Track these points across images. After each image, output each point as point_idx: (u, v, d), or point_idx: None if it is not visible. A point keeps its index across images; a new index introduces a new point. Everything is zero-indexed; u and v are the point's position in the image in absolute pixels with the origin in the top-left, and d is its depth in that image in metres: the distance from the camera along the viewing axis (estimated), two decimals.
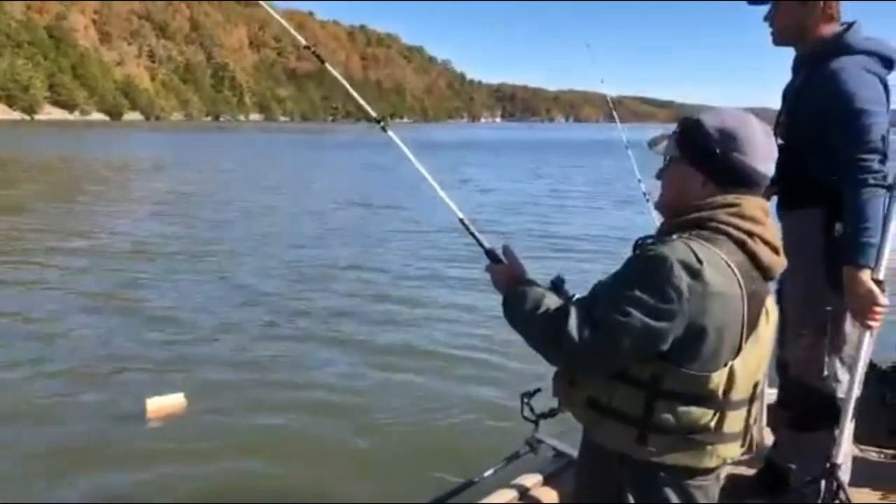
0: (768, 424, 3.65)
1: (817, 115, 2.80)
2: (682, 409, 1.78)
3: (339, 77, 2.80)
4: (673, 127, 2.00)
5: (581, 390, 1.89)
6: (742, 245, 1.80)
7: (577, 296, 1.96)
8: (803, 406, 2.99)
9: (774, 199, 2.93)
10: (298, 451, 5.86)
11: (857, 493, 3.00)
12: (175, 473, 5.37)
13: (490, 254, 2.14)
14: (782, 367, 3.11)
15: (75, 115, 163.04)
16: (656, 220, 1.98)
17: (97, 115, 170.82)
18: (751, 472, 3.37)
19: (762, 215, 1.86)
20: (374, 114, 2.61)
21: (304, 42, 2.73)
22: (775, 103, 3.17)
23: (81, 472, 5.41)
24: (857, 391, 2.81)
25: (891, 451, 3.72)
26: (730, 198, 1.83)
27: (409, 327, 9.32)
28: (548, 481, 3.06)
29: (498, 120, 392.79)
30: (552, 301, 1.88)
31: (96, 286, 11.26)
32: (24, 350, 8.10)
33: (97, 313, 9.70)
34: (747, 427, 1.90)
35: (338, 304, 10.42)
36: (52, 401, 6.68)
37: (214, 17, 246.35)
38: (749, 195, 1.85)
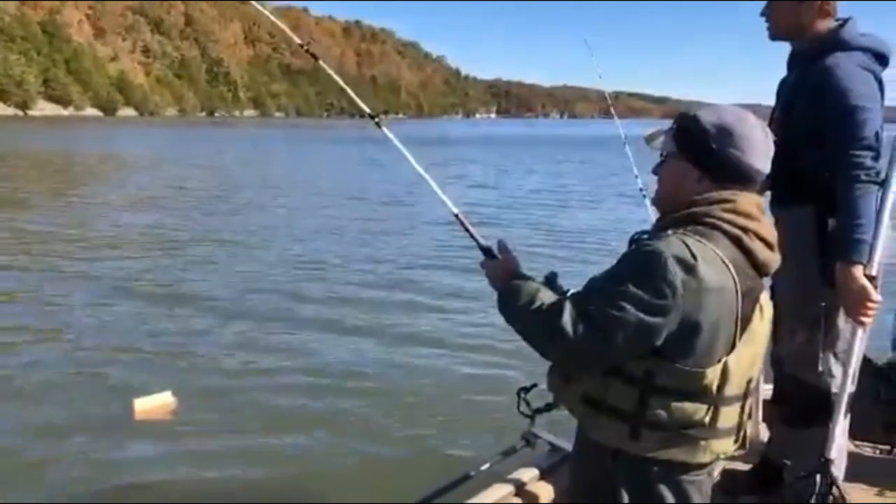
0: (764, 420, 3.66)
1: (811, 111, 2.80)
2: (676, 404, 1.78)
3: (334, 75, 2.80)
4: (669, 123, 2.01)
5: (575, 386, 1.89)
6: (737, 241, 1.80)
7: (571, 291, 1.95)
8: (798, 402, 3.00)
9: (768, 195, 2.94)
10: (291, 446, 5.86)
11: (852, 489, 3.01)
12: (162, 473, 5.36)
13: (484, 249, 2.14)
14: (777, 363, 3.12)
15: (69, 111, 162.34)
16: (653, 215, 1.98)
17: (91, 111, 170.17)
18: (746, 467, 3.37)
19: (757, 211, 1.86)
20: (367, 110, 2.61)
21: (298, 40, 2.73)
22: (769, 100, 3.18)
23: (66, 471, 5.38)
24: (850, 386, 2.81)
25: (886, 447, 3.73)
26: (725, 194, 1.84)
27: (404, 323, 9.33)
28: (544, 476, 3.07)
29: (493, 116, 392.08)
30: (547, 296, 1.88)
31: (85, 282, 11.24)
32: (8, 346, 8.08)
33: (85, 310, 9.67)
34: (741, 423, 1.90)
35: (333, 300, 10.42)
36: (36, 399, 6.64)
37: (209, 13, 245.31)
38: (745, 191, 1.85)
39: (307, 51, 2.70)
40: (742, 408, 1.89)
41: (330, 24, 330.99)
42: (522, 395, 2.51)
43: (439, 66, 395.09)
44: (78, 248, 14.04)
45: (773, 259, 1.88)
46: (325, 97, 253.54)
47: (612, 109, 5.41)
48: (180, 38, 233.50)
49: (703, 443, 1.82)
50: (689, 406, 1.79)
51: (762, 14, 3.02)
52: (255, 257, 13.54)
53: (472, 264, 2.17)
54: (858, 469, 3.22)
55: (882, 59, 2.85)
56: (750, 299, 1.83)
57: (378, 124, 2.54)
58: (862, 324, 2.74)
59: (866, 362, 3.45)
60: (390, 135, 2.45)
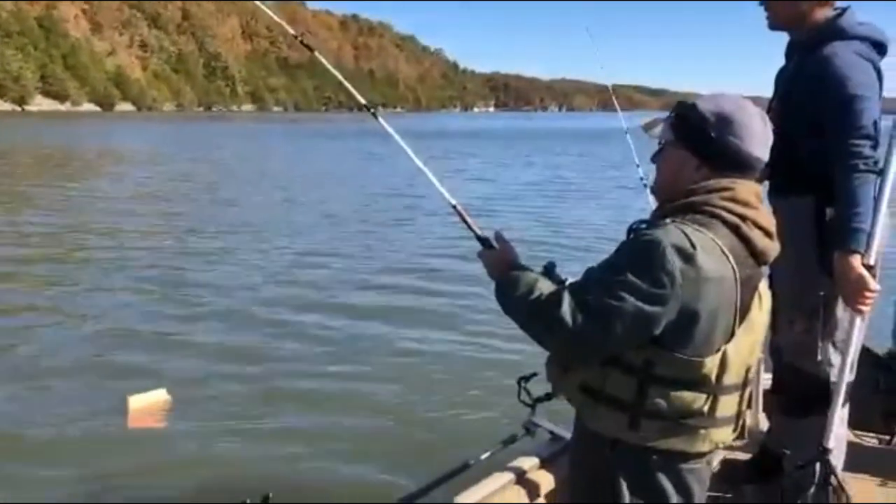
0: (764, 410, 3.67)
1: (810, 100, 2.80)
2: (675, 393, 1.78)
3: (329, 66, 2.79)
4: (667, 113, 2.00)
5: (573, 375, 1.89)
6: (735, 229, 1.80)
7: (569, 280, 1.95)
8: (797, 391, 3.00)
9: (766, 184, 2.94)
10: (289, 436, 5.87)
11: (852, 479, 3.01)
12: (156, 471, 5.33)
13: (482, 240, 2.13)
14: (776, 352, 3.13)
15: (66, 106, 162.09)
16: (653, 204, 1.98)
17: (88, 106, 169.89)
18: (746, 457, 3.38)
19: (756, 200, 1.86)
20: (364, 101, 2.60)
21: (292, 31, 2.72)
22: (769, 92, 3.17)
23: (58, 469, 5.36)
24: (848, 375, 2.82)
25: (886, 437, 3.74)
26: (724, 182, 1.83)
27: (403, 314, 9.36)
28: (544, 464, 3.07)
29: (491, 109, 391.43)
30: (545, 286, 1.88)
31: (84, 277, 11.25)
32: (2, 341, 8.08)
33: (82, 305, 9.67)
34: (740, 412, 1.90)
35: (333, 293, 10.44)
36: (28, 395, 6.64)
37: (206, 7, 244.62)
38: (743, 179, 1.85)
39: (302, 42, 2.69)
40: (741, 397, 1.89)
41: (327, 17, 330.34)
42: (523, 384, 2.52)
43: (437, 59, 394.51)
44: (77, 243, 14.05)
45: (772, 247, 1.87)
46: (322, 91, 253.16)
47: (613, 99, 5.37)
48: (177, 32, 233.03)
49: (702, 432, 1.82)
50: (687, 395, 1.78)
51: (761, 3, 3.01)
52: (256, 249, 13.57)
53: (471, 254, 2.17)
54: (858, 459, 3.22)
55: (880, 48, 2.84)
56: (749, 288, 1.83)
57: (375, 115, 2.54)
58: (860, 313, 2.73)
59: (866, 352, 3.46)
60: (388, 127, 2.45)
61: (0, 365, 7.37)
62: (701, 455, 1.88)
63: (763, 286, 1.92)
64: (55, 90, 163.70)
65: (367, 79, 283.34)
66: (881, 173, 2.71)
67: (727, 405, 1.84)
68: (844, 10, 2.88)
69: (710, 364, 1.78)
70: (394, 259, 12.82)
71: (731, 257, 1.76)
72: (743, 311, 1.82)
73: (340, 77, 2.80)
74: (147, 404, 6.33)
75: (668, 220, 1.80)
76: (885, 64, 2.87)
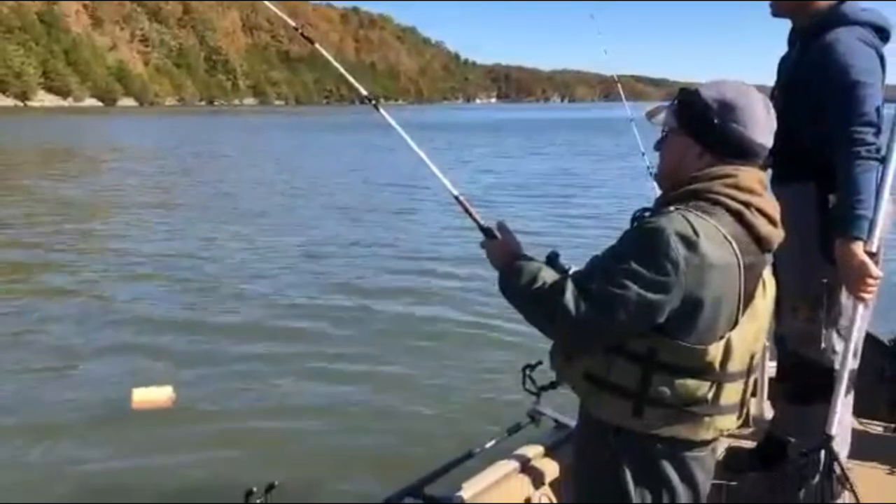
0: (769, 398, 3.67)
1: (812, 86, 2.79)
2: (679, 381, 1.78)
3: (330, 57, 2.79)
4: (668, 102, 2.00)
5: (577, 364, 1.89)
6: (739, 216, 1.80)
7: (573, 269, 1.95)
8: (801, 379, 2.99)
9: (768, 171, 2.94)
10: (293, 426, 5.90)
11: (858, 467, 3.02)
12: (158, 467, 5.36)
13: (485, 230, 2.13)
14: (780, 340, 3.12)
15: (69, 102, 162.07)
16: (658, 193, 1.98)
17: (91, 101, 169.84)
18: (751, 445, 3.38)
19: (759, 186, 1.85)
20: (365, 93, 2.60)
21: (293, 24, 2.72)
22: (772, 80, 3.16)
23: (61, 464, 5.40)
24: (852, 362, 2.81)
25: (891, 425, 3.73)
26: (727, 169, 1.83)
27: (409, 303, 9.40)
28: (549, 452, 3.08)
29: (493, 100, 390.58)
30: (548, 275, 1.87)
31: (90, 274, 11.27)
32: (6, 336, 8.10)
33: (87, 300, 9.70)
34: (744, 399, 1.90)
35: (338, 284, 10.45)
36: (32, 388, 6.67)
37: (207, 1, 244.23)
38: (747, 166, 1.84)
39: (302, 34, 2.69)
40: (745, 384, 1.89)
41: (328, 10, 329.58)
42: (528, 372, 2.52)
43: (438, 51, 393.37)
44: (86, 236, 14.10)
45: (776, 234, 1.87)
46: (323, 84, 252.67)
47: (619, 89, 5.32)
48: (178, 26, 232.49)
49: (706, 419, 1.82)
50: (691, 383, 1.78)
51: None
52: (265, 240, 13.61)
53: (475, 245, 2.18)
54: (864, 446, 3.22)
55: (883, 34, 2.83)
56: (752, 275, 1.83)
57: (377, 107, 2.53)
58: (863, 300, 2.73)
59: (871, 340, 3.46)
60: (390, 118, 2.45)
61: (6, 355, 7.39)
62: (705, 443, 1.88)
63: (767, 273, 1.92)
64: (57, 85, 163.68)
65: (368, 71, 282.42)
66: (884, 160, 2.70)
67: (731, 393, 1.84)
68: None
69: (714, 352, 1.77)
70: (398, 249, 12.87)
71: (734, 244, 1.76)
72: (747, 299, 1.82)
73: (342, 69, 2.79)
74: (151, 398, 6.34)
75: (671, 208, 1.80)
76: (888, 50, 2.85)
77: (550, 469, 3.02)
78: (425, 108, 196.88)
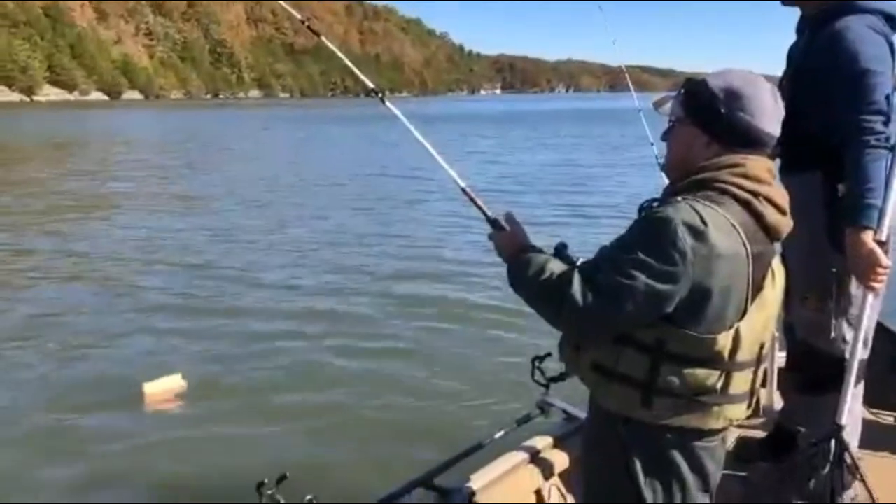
0: (778, 388, 3.66)
1: (821, 74, 2.77)
2: (688, 371, 1.77)
3: (336, 50, 2.78)
4: (674, 92, 1.99)
5: (586, 355, 1.88)
6: (747, 205, 1.79)
7: (581, 260, 1.94)
8: (811, 369, 2.98)
9: (777, 161, 2.92)
10: (302, 418, 5.91)
11: (869, 457, 3.01)
12: (168, 458, 5.37)
13: (492, 222, 2.12)
14: (788, 330, 3.12)
15: (74, 95, 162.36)
16: (666, 183, 1.97)
17: (96, 95, 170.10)
18: (761, 435, 3.38)
19: (768, 175, 1.84)
20: (371, 85, 2.59)
21: (299, 17, 2.71)
22: (778, 70, 3.14)
23: (76, 458, 5.40)
24: (862, 352, 2.80)
25: None
26: (735, 158, 1.82)
27: (417, 294, 9.41)
28: (558, 444, 3.08)
29: (498, 91, 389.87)
30: (556, 266, 1.87)
31: (100, 265, 11.30)
32: (20, 328, 8.14)
33: (98, 293, 9.73)
34: (753, 388, 1.89)
35: (341, 274, 10.48)
36: (47, 382, 6.69)
37: None
38: (755, 155, 1.83)
39: (308, 27, 2.68)
40: (754, 373, 1.88)
41: (332, 3, 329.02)
42: (537, 363, 2.51)
43: (443, 42, 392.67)
44: (95, 229, 14.12)
45: (784, 223, 1.86)
46: (328, 77, 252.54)
47: (627, 78, 5.28)
48: (182, 19, 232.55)
49: (715, 409, 1.81)
50: (700, 372, 1.78)
51: None
52: (273, 230, 13.63)
53: (482, 235, 2.18)
54: (874, 436, 3.21)
55: (893, 22, 2.80)
56: (761, 264, 1.82)
57: (382, 100, 2.52)
58: (872, 289, 2.72)
59: (882, 329, 3.44)
60: (396, 110, 2.45)
61: (15, 349, 7.43)
62: (715, 432, 1.88)
63: (776, 262, 1.91)
64: (63, 80, 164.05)
65: (372, 63, 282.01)
66: (893, 149, 2.69)
67: (741, 382, 1.83)
68: None
69: (723, 341, 1.77)
70: (406, 240, 12.91)
71: (742, 233, 1.75)
72: (755, 288, 1.81)
73: (348, 62, 2.79)
74: (162, 390, 6.38)
75: (679, 198, 1.79)
76: None
77: (560, 460, 3.03)
78: (430, 100, 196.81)
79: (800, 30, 3.03)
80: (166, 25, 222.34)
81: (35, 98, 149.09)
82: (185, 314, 8.68)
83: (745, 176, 1.80)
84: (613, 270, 1.74)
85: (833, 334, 2.87)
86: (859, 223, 2.65)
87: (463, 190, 2.23)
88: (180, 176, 23.32)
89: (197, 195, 18.78)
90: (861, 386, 2.93)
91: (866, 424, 3.09)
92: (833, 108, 2.73)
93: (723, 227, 1.73)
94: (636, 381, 1.80)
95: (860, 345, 2.77)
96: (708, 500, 1.95)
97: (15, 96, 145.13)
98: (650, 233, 1.74)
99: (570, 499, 3.04)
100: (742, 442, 3.24)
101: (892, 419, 3.69)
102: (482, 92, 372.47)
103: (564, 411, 3.23)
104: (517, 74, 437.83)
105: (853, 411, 2.84)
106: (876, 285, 2.69)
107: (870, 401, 3.23)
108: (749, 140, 1.82)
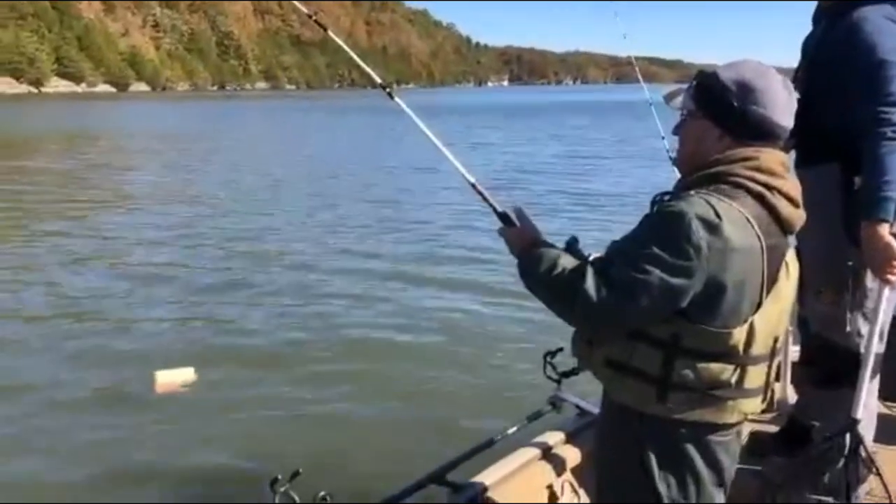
0: (792, 382, 3.64)
1: (837, 66, 2.74)
2: (702, 365, 1.76)
3: (344, 45, 2.76)
4: (685, 84, 1.97)
5: (599, 350, 1.87)
6: (761, 198, 1.77)
7: (593, 255, 1.93)
8: (826, 363, 2.96)
9: (792, 154, 2.90)
10: (313, 413, 5.92)
11: (884, 451, 2.99)
12: (181, 453, 5.39)
13: (503, 217, 2.10)
14: (803, 323, 3.10)
15: (82, 87, 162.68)
16: (678, 177, 1.95)
17: (104, 87, 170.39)
18: (775, 429, 3.36)
19: (781, 169, 1.83)
20: (379, 80, 2.57)
21: (305, 10, 2.69)
22: (789, 62, 3.12)
23: (87, 449, 5.43)
24: (878, 346, 2.78)
25: None
26: (748, 151, 1.80)
27: (429, 288, 9.42)
28: (570, 439, 3.08)
29: (505, 83, 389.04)
30: (568, 262, 1.85)
31: (110, 255, 11.35)
32: (32, 315, 8.16)
33: (109, 282, 9.76)
34: (768, 382, 1.89)
35: (359, 269, 10.48)
36: (56, 369, 6.73)
37: None
38: (768, 148, 1.82)
39: (315, 21, 2.66)
40: (769, 367, 1.87)
41: None
42: (549, 359, 2.50)
43: (450, 33, 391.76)
44: (108, 219, 14.19)
45: (798, 216, 1.85)
46: (335, 68, 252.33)
47: (637, 71, 5.25)
48: (189, 11, 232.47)
49: (730, 403, 1.81)
50: (715, 366, 1.77)
51: None
52: (284, 225, 13.65)
53: (492, 229, 2.16)
54: (889, 430, 3.19)
55: None
56: (775, 257, 1.80)
57: (391, 95, 2.49)
58: (889, 282, 2.69)
59: None
60: (404, 106, 2.42)
61: (27, 338, 7.45)
62: (729, 426, 1.87)
63: (790, 255, 1.90)
64: (70, 71, 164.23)
65: (380, 55, 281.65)
66: None
67: (755, 376, 1.82)
68: None
69: (738, 335, 1.76)
70: (418, 232, 12.95)
71: (756, 227, 1.74)
72: (770, 281, 1.80)
73: (356, 56, 2.76)
74: (173, 381, 6.39)
75: (691, 192, 1.78)
76: None
77: (572, 456, 3.02)
78: (437, 92, 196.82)
79: (816, 20, 3.00)
80: (173, 17, 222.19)
81: (43, 90, 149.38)
82: (198, 303, 8.75)
83: (759, 169, 1.79)
84: (627, 265, 1.73)
85: (848, 328, 2.85)
86: (876, 216, 2.63)
87: (472, 185, 2.21)
88: (192, 168, 23.38)
89: (207, 189, 18.81)
90: (877, 380, 2.91)
91: (881, 419, 3.07)
92: (849, 100, 2.71)
93: (737, 220, 1.72)
94: (650, 376, 1.79)
95: (876, 339, 2.75)
96: (722, 494, 1.94)
97: (23, 88, 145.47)
98: (664, 227, 1.73)
99: (582, 494, 3.03)
100: (756, 436, 3.22)
101: None
102: (489, 83, 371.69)
103: (577, 406, 3.22)
104: (524, 66, 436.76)
105: (868, 405, 2.83)
106: (892, 278, 2.67)
107: (884, 394, 3.20)
108: (762, 133, 1.81)
